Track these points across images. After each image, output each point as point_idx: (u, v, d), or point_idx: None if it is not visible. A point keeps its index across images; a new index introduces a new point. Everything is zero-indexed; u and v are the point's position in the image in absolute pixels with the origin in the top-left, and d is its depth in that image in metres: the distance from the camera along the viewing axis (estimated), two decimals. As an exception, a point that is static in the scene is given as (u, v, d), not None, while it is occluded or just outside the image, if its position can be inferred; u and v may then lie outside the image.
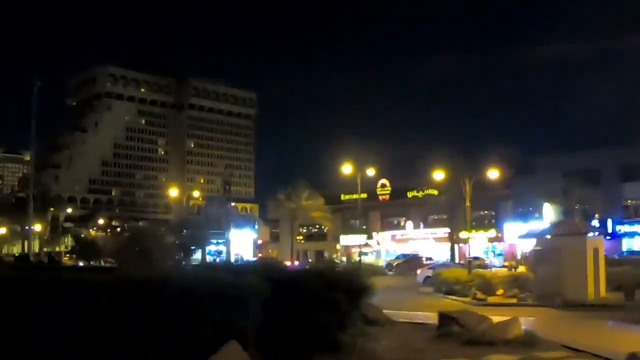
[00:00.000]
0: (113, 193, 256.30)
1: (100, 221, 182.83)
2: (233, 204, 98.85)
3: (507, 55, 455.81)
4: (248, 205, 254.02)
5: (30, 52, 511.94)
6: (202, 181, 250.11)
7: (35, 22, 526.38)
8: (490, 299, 39.12)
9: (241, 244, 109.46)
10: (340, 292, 15.88)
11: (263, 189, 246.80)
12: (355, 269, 40.18)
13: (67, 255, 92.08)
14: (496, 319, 22.49)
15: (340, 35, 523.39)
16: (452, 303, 38.34)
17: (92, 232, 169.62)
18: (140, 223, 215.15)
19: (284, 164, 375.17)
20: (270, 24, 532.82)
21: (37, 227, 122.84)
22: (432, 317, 25.08)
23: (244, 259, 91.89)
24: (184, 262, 39.22)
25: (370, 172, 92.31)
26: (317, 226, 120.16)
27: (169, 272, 15.46)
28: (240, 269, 17.87)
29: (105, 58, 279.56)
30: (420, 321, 26.16)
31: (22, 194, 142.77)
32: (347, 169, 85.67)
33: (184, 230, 72.17)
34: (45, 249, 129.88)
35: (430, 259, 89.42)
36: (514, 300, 37.90)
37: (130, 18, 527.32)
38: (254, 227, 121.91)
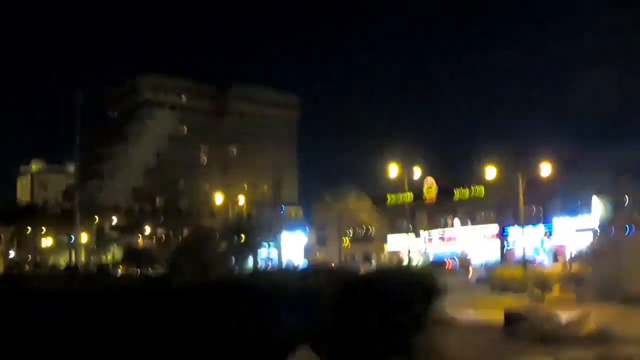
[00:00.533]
0: (157, 202, 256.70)
1: (147, 230, 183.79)
2: (283, 207, 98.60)
3: (555, 47, 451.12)
4: (292, 209, 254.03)
5: (70, 63, 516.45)
6: (245, 187, 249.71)
7: (74, 34, 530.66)
8: (549, 297, 38.64)
9: (292, 248, 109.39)
10: (414, 293, 15.55)
11: (306, 192, 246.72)
12: (426, 268, 39.76)
13: (119, 264, 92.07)
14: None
15: (382, 33, 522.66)
16: (510, 301, 37.82)
17: (141, 240, 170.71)
18: (186, 231, 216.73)
19: (327, 166, 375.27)
20: (310, 25, 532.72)
21: (84, 238, 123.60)
22: (495, 316, 24.69)
23: (296, 263, 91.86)
24: (238, 268, 39.17)
25: (417, 171, 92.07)
26: (364, 228, 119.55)
27: (240, 277, 15.15)
28: (307, 272, 17.55)
29: (145, 67, 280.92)
30: (484, 320, 25.72)
31: (68, 205, 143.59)
32: (393, 169, 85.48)
33: (235, 236, 71.84)
34: (91, 259, 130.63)
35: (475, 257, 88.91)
36: (573, 297, 37.38)
37: (169, 25, 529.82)
38: (305, 230, 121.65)
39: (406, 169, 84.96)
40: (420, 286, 15.92)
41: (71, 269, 75.51)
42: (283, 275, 16.24)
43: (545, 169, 76.33)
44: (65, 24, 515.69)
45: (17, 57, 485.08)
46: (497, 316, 24.23)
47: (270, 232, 71.72)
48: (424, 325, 16.02)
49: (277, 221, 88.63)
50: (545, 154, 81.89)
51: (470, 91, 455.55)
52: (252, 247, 55.71)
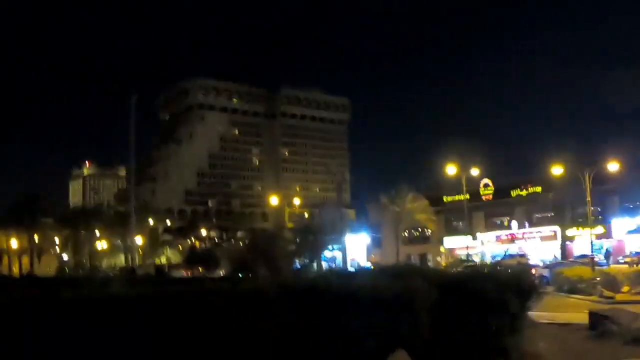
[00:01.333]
0: (210, 204, 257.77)
1: (203, 232, 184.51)
2: (345, 209, 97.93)
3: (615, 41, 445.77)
4: (348, 211, 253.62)
5: (122, 68, 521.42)
6: (298, 189, 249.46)
7: (125, 39, 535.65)
8: (619, 297, 37.89)
9: (356, 249, 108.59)
10: (510, 293, 14.92)
11: (359, 194, 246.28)
12: (523, 267, 38.94)
13: (178, 266, 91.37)
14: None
15: (431, 31, 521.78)
16: (579, 302, 37.15)
17: (197, 242, 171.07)
18: (239, 233, 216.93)
19: (379, 167, 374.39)
20: (360, 27, 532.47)
21: (139, 240, 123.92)
22: (573, 317, 24.13)
23: (360, 265, 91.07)
24: (306, 269, 38.72)
25: (474, 172, 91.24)
26: (419, 229, 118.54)
27: (326, 278, 14.55)
28: (397, 273, 16.92)
29: (196, 70, 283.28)
30: (564, 321, 25.08)
31: (122, 208, 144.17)
32: (450, 169, 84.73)
33: (302, 237, 70.63)
34: (145, 262, 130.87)
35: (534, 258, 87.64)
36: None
37: (219, 28, 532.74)
38: (368, 231, 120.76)
39: (463, 170, 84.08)
40: (517, 286, 15.26)
41: (129, 271, 75.70)
42: (375, 277, 15.56)
43: (612, 167, 75.02)
44: (115, 30, 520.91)
45: (70, 62, 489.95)
46: (575, 317, 23.69)
47: (335, 234, 70.80)
48: (520, 327, 15.42)
49: (341, 222, 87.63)
50: (603, 154, 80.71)
51: (526, 91, 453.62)
52: (319, 249, 54.89)
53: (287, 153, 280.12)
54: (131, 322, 11.28)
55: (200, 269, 72.27)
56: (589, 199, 67.65)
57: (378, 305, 12.91)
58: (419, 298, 13.52)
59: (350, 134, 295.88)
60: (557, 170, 79.29)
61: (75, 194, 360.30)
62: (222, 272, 68.99)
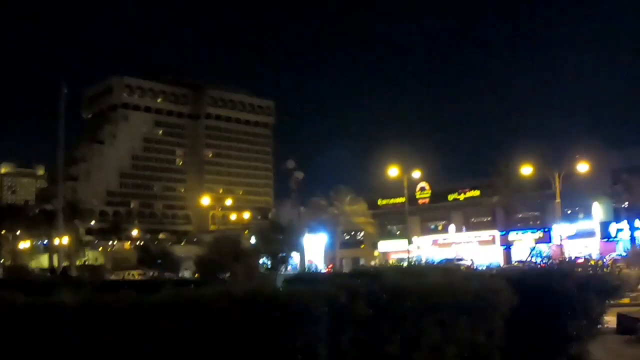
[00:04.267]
0: (132, 205, 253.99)
1: (135, 232, 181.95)
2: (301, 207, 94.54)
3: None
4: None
5: (43, 65, 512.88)
6: (220, 191, 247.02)
7: (48, 35, 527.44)
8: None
9: (314, 250, 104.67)
10: (591, 294, 13.39)
11: (282, 197, 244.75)
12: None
13: (134, 270, 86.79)
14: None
15: (361, 24, 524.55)
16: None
17: (127, 244, 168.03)
18: (161, 235, 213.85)
19: (307, 171, 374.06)
20: (284, 28, 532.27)
21: (64, 240, 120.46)
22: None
23: (317, 267, 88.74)
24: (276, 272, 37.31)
25: (415, 174, 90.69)
26: (352, 233, 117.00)
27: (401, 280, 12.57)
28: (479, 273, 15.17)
29: (120, 69, 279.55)
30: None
31: (49, 207, 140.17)
32: (391, 172, 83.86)
33: (260, 238, 67.47)
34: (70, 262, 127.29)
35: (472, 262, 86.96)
36: (627, 300, 35.85)
37: (144, 28, 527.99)
38: (327, 230, 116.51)
39: (404, 172, 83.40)
40: (598, 287, 13.70)
41: (62, 272, 72.87)
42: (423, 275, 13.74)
43: (583, 167, 75.43)
44: (37, 27, 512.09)
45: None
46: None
47: (295, 234, 68.42)
48: (597, 331, 13.93)
49: (299, 222, 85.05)
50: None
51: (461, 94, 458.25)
52: (288, 249, 52.88)
53: (211, 155, 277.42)
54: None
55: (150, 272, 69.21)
56: (558, 200, 67.28)
57: (460, 309, 11.37)
58: (500, 301, 11.97)
59: (278, 136, 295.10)
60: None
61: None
62: (185, 274, 66.57)
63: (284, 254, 49.22)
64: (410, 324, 10.79)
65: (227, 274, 30.97)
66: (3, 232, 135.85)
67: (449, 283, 11.89)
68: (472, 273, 14.90)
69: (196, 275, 44.81)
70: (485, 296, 11.81)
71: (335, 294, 10.07)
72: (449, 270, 15.13)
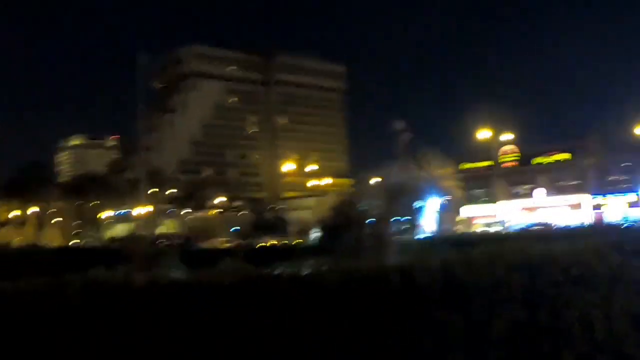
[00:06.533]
0: (205, 173, 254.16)
1: (217, 200, 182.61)
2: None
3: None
4: (342, 180, 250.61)
5: (109, 38, 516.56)
6: (293, 158, 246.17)
7: (110, 7, 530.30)
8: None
9: (427, 215, 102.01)
10: None
11: (357, 164, 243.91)
12: None
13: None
14: None
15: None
16: None
17: (211, 212, 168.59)
18: (235, 203, 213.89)
19: (378, 137, 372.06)
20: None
21: (145, 210, 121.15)
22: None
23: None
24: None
25: (503, 137, 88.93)
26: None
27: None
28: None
29: (189, 37, 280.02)
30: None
31: (130, 176, 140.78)
32: (480, 134, 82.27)
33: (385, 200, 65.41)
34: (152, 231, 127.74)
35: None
36: None
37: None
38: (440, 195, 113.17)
39: (495, 134, 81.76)
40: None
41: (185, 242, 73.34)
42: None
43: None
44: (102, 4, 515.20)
45: (54, 33, 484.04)
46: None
47: (414, 197, 66.50)
48: None
49: (418, 184, 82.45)
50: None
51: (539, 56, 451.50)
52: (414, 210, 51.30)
53: (283, 121, 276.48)
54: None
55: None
56: None
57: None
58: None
59: (349, 101, 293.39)
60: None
61: (63, 166, 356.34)
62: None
63: (411, 218, 48.34)
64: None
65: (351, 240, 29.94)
66: (91, 203, 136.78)
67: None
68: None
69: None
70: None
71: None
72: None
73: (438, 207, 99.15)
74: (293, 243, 49.77)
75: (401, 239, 32.79)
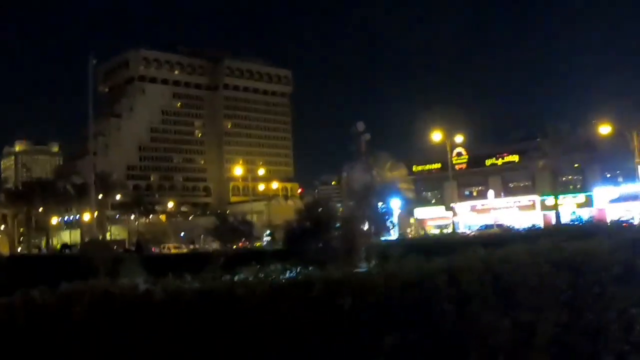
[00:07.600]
0: (152, 178, 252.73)
1: (170, 204, 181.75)
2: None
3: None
4: (288, 185, 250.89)
5: (55, 39, 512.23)
6: (240, 162, 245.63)
7: (61, 11, 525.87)
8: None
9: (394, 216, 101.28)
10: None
11: (302, 168, 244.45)
12: None
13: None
14: None
15: None
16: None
17: (162, 217, 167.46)
18: (182, 208, 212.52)
19: (324, 141, 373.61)
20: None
21: (89, 215, 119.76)
22: None
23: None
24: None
25: (456, 139, 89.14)
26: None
27: None
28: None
29: (137, 42, 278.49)
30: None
31: (78, 181, 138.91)
32: (433, 137, 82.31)
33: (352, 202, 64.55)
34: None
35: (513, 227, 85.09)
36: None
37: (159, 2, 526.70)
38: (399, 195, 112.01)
39: (447, 137, 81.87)
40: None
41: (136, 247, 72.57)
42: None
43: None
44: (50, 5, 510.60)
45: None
46: None
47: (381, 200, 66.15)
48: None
49: (371, 186, 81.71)
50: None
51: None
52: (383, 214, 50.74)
53: (230, 125, 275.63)
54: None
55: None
56: (637, 159, 65.23)
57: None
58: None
59: (294, 106, 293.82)
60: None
61: (6, 172, 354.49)
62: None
63: (386, 219, 47.68)
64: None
65: (320, 244, 29.42)
66: (41, 209, 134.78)
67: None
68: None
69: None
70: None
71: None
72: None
73: (399, 210, 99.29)
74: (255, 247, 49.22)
75: (372, 242, 32.39)
